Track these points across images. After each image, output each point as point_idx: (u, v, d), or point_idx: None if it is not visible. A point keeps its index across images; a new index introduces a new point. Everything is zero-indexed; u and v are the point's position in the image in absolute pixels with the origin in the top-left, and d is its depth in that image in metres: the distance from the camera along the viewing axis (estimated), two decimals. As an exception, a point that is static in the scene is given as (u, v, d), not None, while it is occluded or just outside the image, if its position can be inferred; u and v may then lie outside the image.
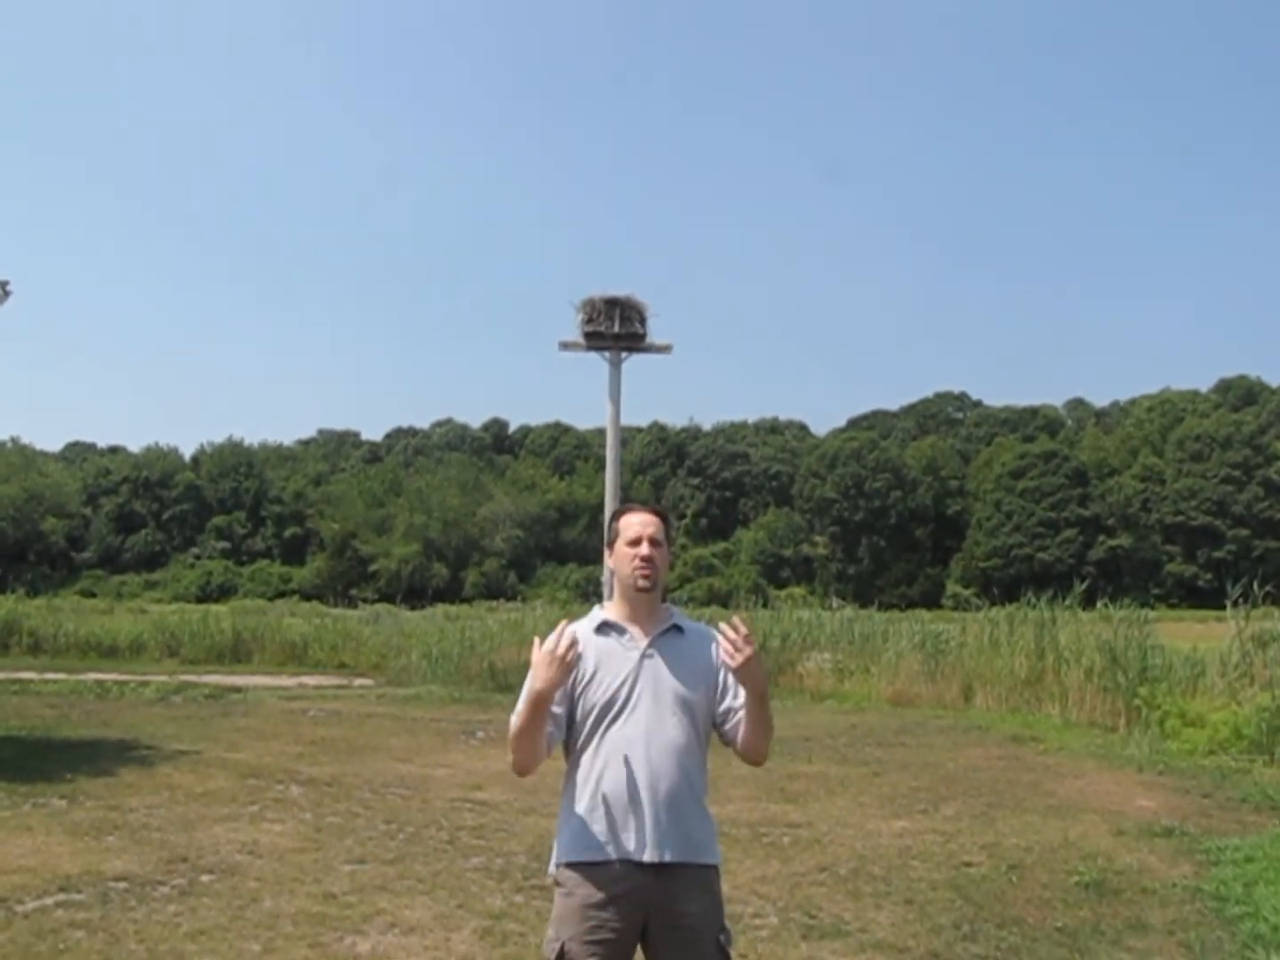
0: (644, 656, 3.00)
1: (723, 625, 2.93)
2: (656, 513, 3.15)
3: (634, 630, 3.04)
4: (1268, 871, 6.46)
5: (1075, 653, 14.11)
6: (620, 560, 3.08)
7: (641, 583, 3.03)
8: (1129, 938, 5.47)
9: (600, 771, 2.94)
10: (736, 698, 3.03)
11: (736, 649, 2.86)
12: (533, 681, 2.88)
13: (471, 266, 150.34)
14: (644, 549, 3.04)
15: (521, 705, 2.93)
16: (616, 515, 3.18)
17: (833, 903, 6.00)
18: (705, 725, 3.03)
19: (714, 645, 3.08)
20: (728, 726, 3.04)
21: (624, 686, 2.97)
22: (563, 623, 3.11)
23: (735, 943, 5.11)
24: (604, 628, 3.06)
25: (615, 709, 2.96)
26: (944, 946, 5.33)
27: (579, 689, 2.99)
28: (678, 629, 3.08)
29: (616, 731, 2.95)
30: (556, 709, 2.98)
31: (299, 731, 12.15)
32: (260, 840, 7.11)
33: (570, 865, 2.95)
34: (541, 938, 5.12)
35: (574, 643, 2.88)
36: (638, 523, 3.09)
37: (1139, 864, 6.80)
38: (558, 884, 2.99)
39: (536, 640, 2.92)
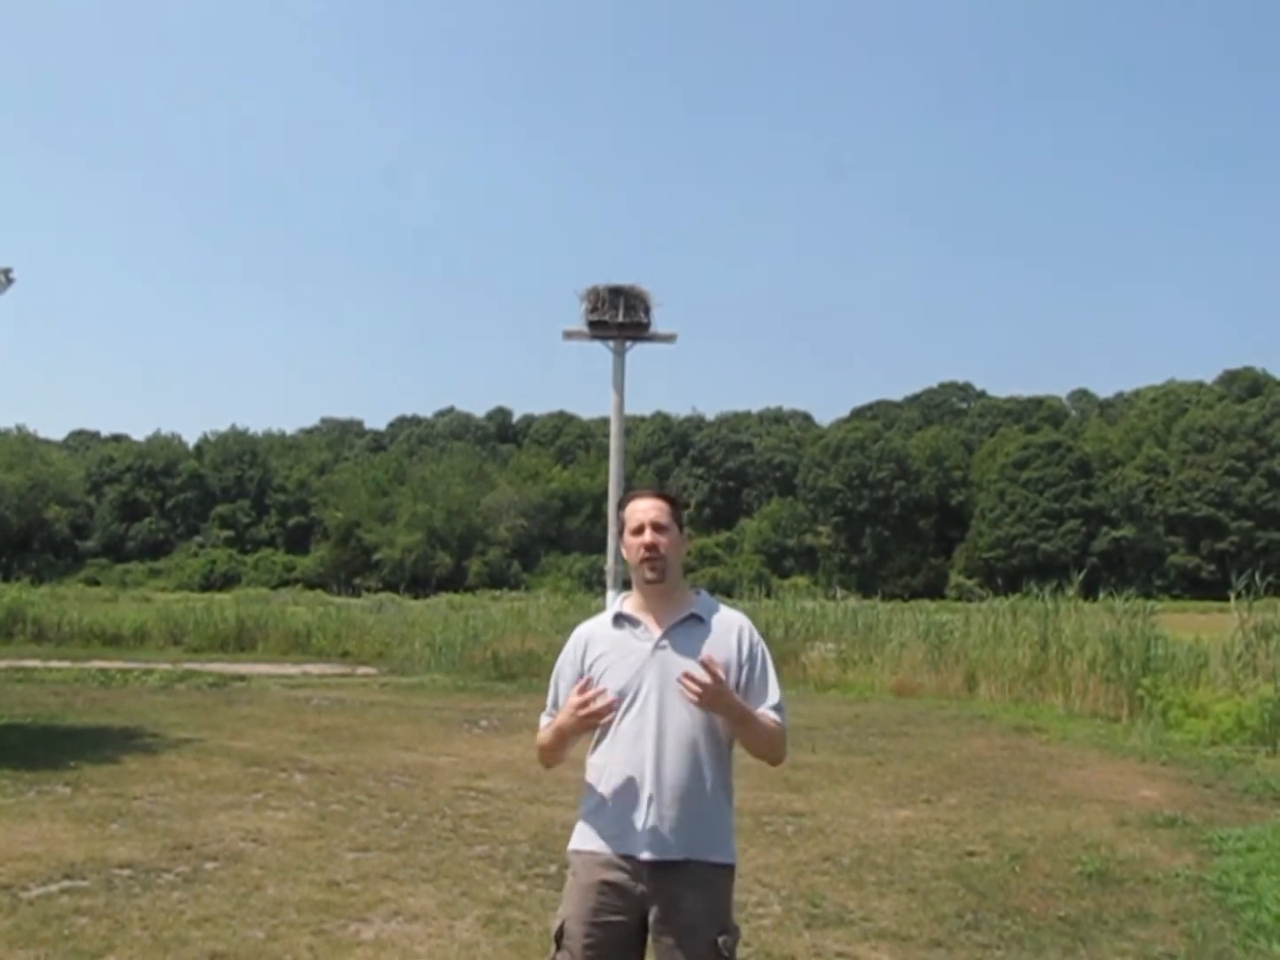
0: (656, 648, 2.95)
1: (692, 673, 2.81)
2: (662, 496, 3.07)
3: (648, 621, 2.99)
4: (1270, 861, 6.46)
5: (1078, 643, 14.11)
6: (628, 551, 3.03)
7: (649, 574, 2.97)
8: (1132, 927, 5.47)
9: (610, 764, 2.93)
10: (751, 700, 2.95)
11: (696, 688, 2.78)
12: (563, 716, 2.93)
13: (476, 256, 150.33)
14: (647, 536, 2.97)
15: (548, 733, 3.01)
16: (622, 503, 3.10)
17: (836, 892, 6.01)
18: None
19: (739, 634, 3.00)
20: None
21: (634, 679, 2.93)
22: (579, 626, 3.14)
23: (738, 931, 5.14)
24: (619, 619, 3.03)
25: (626, 702, 2.93)
26: (947, 935, 5.34)
27: (594, 681, 2.98)
28: (696, 618, 3.00)
29: (627, 725, 2.92)
30: (565, 704, 3.02)
31: (302, 720, 12.17)
32: (264, 828, 7.12)
33: (576, 852, 2.98)
34: (545, 926, 5.16)
35: (601, 704, 2.86)
36: (641, 510, 3.01)
37: (1142, 854, 6.80)
38: (568, 864, 3.03)
39: (580, 682, 2.92)
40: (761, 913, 5.61)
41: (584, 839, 2.96)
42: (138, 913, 5.38)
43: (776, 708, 2.96)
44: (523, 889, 5.92)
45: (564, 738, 2.98)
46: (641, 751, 2.89)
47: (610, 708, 2.87)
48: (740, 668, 2.97)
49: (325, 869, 6.22)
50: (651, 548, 2.96)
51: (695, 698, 2.80)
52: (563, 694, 3.04)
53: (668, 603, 3.01)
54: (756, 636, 3.04)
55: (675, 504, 3.07)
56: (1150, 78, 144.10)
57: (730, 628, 3.01)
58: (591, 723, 2.90)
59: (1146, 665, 13.09)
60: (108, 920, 5.26)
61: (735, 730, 2.93)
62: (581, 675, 3.00)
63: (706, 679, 2.77)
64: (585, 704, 2.86)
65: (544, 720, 3.10)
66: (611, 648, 2.98)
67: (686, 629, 2.98)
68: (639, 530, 2.99)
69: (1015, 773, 9.51)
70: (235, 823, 7.26)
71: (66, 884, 5.82)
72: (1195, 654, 13.40)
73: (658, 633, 2.97)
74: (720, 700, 2.82)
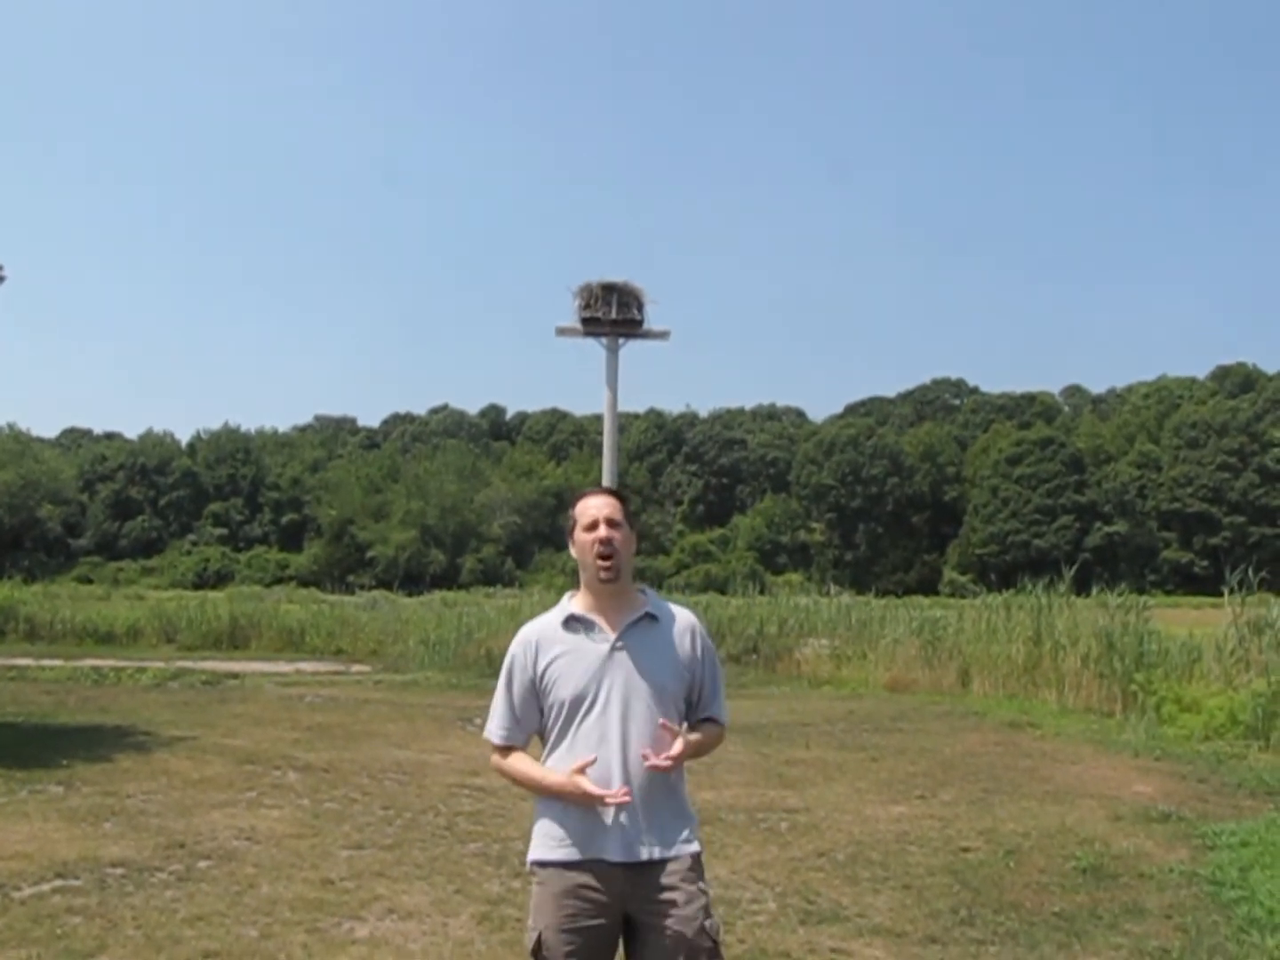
0: (613, 649, 2.92)
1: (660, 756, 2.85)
2: (612, 493, 3.06)
3: (602, 622, 2.95)
4: (1263, 856, 6.48)
5: (1072, 639, 14.12)
6: (580, 549, 2.97)
7: (603, 574, 2.92)
8: (1126, 922, 5.48)
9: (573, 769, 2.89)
10: (701, 698, 3.02)
11: (668, 763, 2.83)
12: (563, 786, 2.84)
13: (469, 252, 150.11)
14: (601, 531, 2.93)
15: (525, 777, 2.95)
16: (572, 502, 3.07)
17: (830, 888, 6.01)
18: (680, 713, 2.97)
19: (691, 632, 3.02)
20: (690, 721, 3.02)
21: (593, 681, 2.90)
22: (525, 627, 3.06)
23: (733, 928, 5.16)
24: (571, 621, 2.97)
25: (586, 704, 2.89)
26: (941, 931, 5.34)
27: (549, 685, 2.94)
28: (651, 617, 2.98)
29: (588, 728, 2.89)
30: (519, 711, 2.99)
31: (296, 717, 12.14)
32: (258, 826, 7.11)
33: (542, 863, 2.92)
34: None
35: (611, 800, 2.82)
36: (593, 506, 2.98)
37: (1135, 849, 6.81)
38: (533, 875, 2.97)
39: (580, 780, 2.83)
40: (756, 909, 5.61)
41: (548, 848, 2.91)
42: (131, 912, 5.37)
43: (720, 705, 3.06)
44: (517, 886, 5.90)
45: (549, 794, 2.92)
46: (607, 755, 2.86)
47: (619, 798, 2.82)
48: (696, 665, 3.00)
49: (319, 867, 6.20)
50: (606, 542, 2.92)
51: (669, 769, 2.85)
52: (518, 702, 2.99)
53: (620, 602, 2.98)
54: (706, 633, 3.09)
55: (626, 502, 3.06)
56: (1142, 76, 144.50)
57: (684, 628, 3.03)
58: (591, 803, 2.85)
59: (1140, 661, 13.10)
60: (100, 919, 5.25)
61: (689, 759, 2.99)
62: (535, 680, 2.96)
63: (676, 751, 2.84)
64: (596, 798, 2.81)
65: (498, 732, 3.01)
66: (566, 650, 2.94)
67: (642, 629, 2.96)
68: (592, 526, 2.95)
69: (1009, 768, 9.52)
70: (229, 821, 7.24)
71: (59, 883, 5.81)
72: (1188, 649, 13.42)
73: (613, 634, 2.94)
74: (686, 757, 2.90)
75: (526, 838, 6.80)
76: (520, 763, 2.99)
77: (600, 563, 2.92)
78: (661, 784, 2.89)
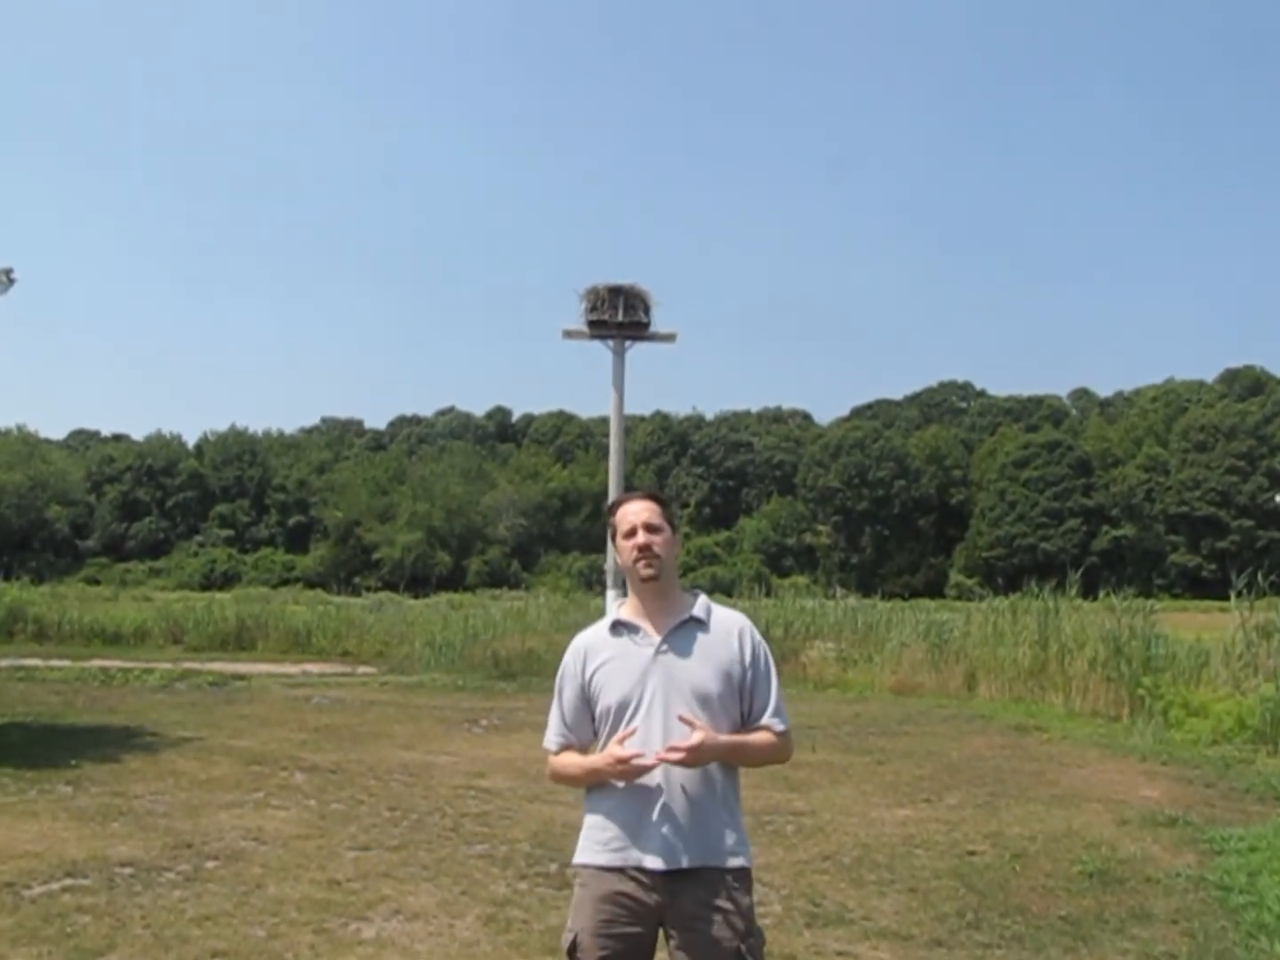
0: (657, 653, 2.90)
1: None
2: (652, 497, 3.06)
3: (646, 626, 2.95)
4: (1271, 861, 6.45)
5: (1079, 642, 14.08)
6: (622, 554, 3.00)
7: (645, 572, 2.93)
8: (1133, 927, 5.47)
9: None
10: (754, 704, 2.95)
11: (679, 756, 2.76)
12: (604, 767, 2.85)
13: (475, 255, 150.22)
14: (640, 538, 2.94)
15: (578, 770, 2.95)
16: (612, 509, 3.08)
17: (836, 891, 6.01)
18: (732, 719, 2.90)
19: (740, 635, 2.98)
20: (746, 728, 2.95)
21: (638, 685, 2.88)
22: (576, 637, 3.08)
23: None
24: (617, 627, 2.98)
25: (630, 709, 2.88)
26: (948, 935, 5.33)
27: (596, 691, 2.94)
28: (697, 620, 2.96)
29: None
30: (570, 720, 3.00)
31: (303, 719, 12.17)
32: (265, 827, 7.13)
33: (585, 866, 2.92)
34: (545, 925, 5.17)
35: (640, 763, 2.80)
36: (632, 512, 3.00)
37: (1143, 853, 6.80)
38: (575, 876, 2.97)
39: (615, 749, 2.83)
40: (762, 912, 5.58)
41: (592, 852, 2.90)
42: (139, 911, 5.40)
43: (776, 711, 2.96)
44: (523, 888, 5.92)
45: (600, 781, 2.90)
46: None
47: (650, 768, 2.82)
48: (745, 670, 2.94)
49: (326, 868, 6.22)
50: (645, 549, 2.94)
51: (683, 764, 2.78)
52: (568, 710, 3.01)
53: (665, 605, 2.97)
54: (758, 637, 3.01)
55: (666, 505, 3.06)
56: (1150, 77, 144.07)
57: (730, 629, 2.98)
58: (632, 776, 2.84)
59: (1147, 664, 13.06)
60: (109, 918, 5.27)
61: (731, 761, 2.92)
62: (584, 687, 2.97)
63: (692, 742, 2.76)
64: (625, 761, 2.80)
65: (553, 739, 3.03)
66: (612, 656, 2.94)
67: (686, 632, 2.94)
68: (631, 533, 2.97)
69: (1015, 772, 9.51)
70: (236, 821, 7.27)
71: (68, 882, 5.84)
72: (1196, 653, 13.38)
73: (657, 638, 2.92)
74: (708, 754, 2.81)
75: (533, 839, 6.89)
76: (569, 757, 3.00)
77: (640, 563, 2.94)
78: (708, 793, 2.85)
